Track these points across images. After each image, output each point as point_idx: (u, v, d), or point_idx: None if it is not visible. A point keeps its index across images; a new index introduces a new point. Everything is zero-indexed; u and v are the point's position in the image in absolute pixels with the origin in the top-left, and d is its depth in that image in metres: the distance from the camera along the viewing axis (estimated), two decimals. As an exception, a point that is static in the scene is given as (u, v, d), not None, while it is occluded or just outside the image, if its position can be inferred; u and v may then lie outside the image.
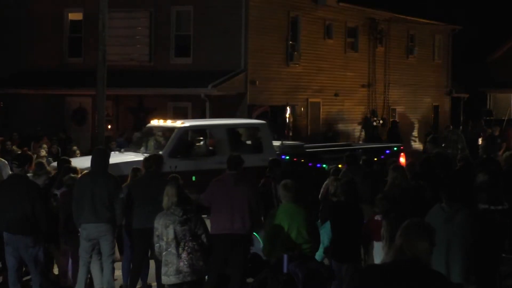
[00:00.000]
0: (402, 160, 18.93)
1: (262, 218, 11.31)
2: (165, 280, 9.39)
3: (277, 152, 17.53)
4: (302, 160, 17.76)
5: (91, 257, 11.01)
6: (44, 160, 15.79)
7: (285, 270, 9.40)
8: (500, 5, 40.35)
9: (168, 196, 9.35)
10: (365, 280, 5.28)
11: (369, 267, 6.76)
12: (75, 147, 20.94)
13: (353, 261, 10.24)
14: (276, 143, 18.19)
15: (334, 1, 28.62)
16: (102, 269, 11.07)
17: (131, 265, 11.88)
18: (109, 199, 10.86)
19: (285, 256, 9.43)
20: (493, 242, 10.11)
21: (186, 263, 9.11)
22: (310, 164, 17.46)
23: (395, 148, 19.58)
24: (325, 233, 10.55)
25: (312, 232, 9.86)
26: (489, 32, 41.62)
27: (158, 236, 9.25)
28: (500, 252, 10.79)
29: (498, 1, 40.70)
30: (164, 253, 9.20)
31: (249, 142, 18.26)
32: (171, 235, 9.12)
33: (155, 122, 18.12)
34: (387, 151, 19.03)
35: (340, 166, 17.96)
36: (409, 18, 33.33)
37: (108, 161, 11.49)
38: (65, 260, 11.67)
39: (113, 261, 11.15)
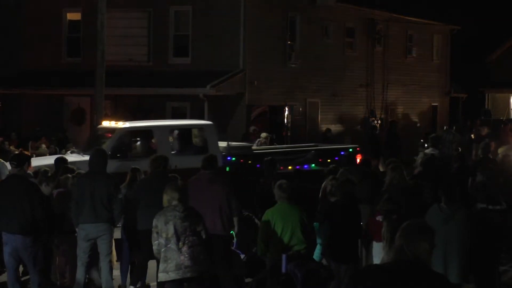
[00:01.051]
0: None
1: (236, 219, 11.26)
2: (163, 277, 9.18)
3: (223, 153, 17.29)
4: (250, 162, 17.54)
5: (89, 257, 11.01)
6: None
7: (284, 270, 9.40)
8: (499, 5, 40.38)
9: (168, 193, 9.29)
10: (365, 280, 5.28)
11: (369, 268, 6.76)
12: (73, 147, 20.88)
13: (352, 261, 10.22)
14: (222, 144, 17.92)
15: (332, 1, 28.59)
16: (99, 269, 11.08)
17: (130, 265, 11.89)
18: (108, 199, 10.86)
19: (284, 256, 9.43)
20: (491, 242, 10.12)
21: (187, 255, 9.01)
22: (258, 166, 17.14)
23: (350, 150, 19.33)
24: (322, 233, 10.54)
25: (306, 232, 9.87)
26: (488, 32, 41.67)
27: (157, 233, 9.18)
28: (499, 252, 10.80)
29: (497, 1, 40.74)
30: (163, 249, 9.10)
31: (199, 143, 18.07)
32: (171, 230, 9.05)
33: (104, 123, 18.07)
34: (342, 152, 18.88)
35: (290, 168, 17.90)
36: (407, 18, 33.32)
37: (106, 161, 11.48)
38: (63, 260, 11.66)
39: (111, 261, 11.14)
